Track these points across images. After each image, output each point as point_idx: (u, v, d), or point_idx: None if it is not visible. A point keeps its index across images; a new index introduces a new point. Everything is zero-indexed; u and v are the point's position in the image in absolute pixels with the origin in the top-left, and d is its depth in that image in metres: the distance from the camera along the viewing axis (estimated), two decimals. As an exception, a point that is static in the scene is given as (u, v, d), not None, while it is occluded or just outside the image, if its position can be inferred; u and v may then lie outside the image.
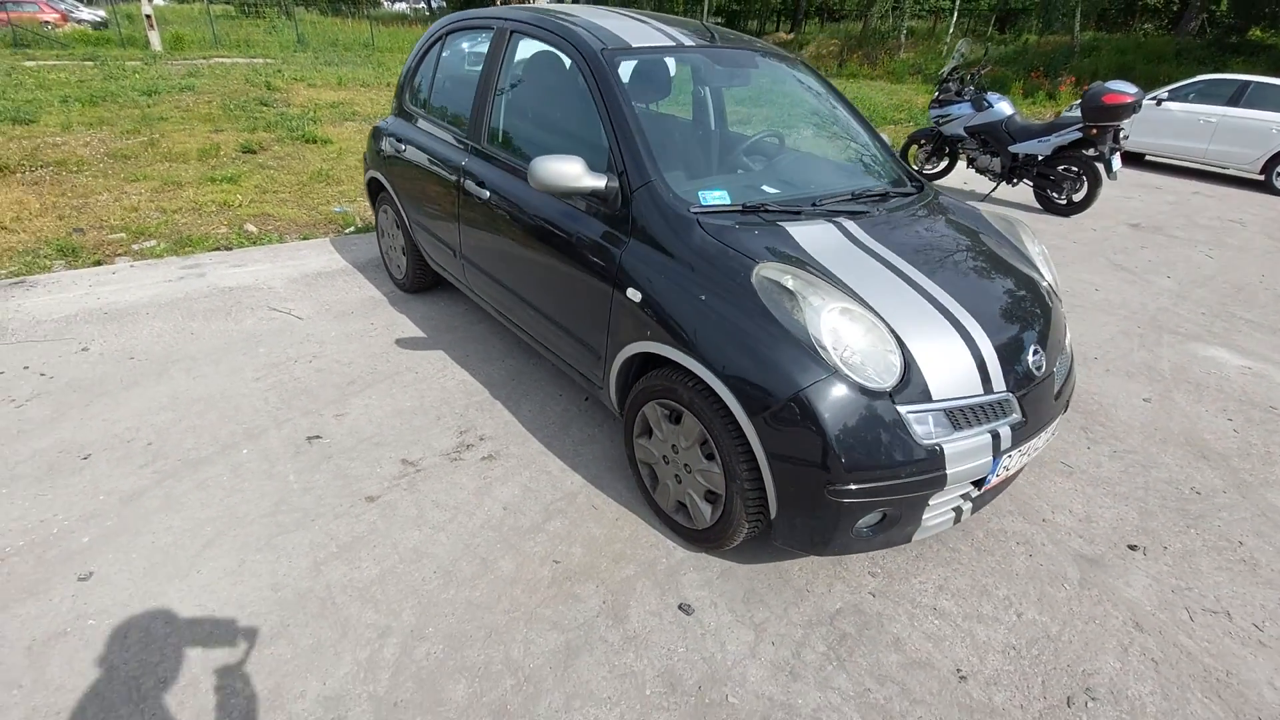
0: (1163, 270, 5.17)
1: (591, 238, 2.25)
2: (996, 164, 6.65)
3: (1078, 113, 6.20)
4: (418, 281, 3.77)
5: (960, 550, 2.27)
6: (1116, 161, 5.89)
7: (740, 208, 2.14)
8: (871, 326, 1.79)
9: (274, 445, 2.57)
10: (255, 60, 16.75)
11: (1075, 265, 5.14)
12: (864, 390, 1.73)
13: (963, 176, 7.67)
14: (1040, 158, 6.36)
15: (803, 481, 1.76)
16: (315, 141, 8.09)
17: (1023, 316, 2.09)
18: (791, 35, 25.94)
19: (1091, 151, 5.98)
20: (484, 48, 2.90)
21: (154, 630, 1.81)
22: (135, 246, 4.74)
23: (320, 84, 12.77)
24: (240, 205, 5.74)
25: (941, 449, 1.77)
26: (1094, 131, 5.84)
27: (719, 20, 29.76)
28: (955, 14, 20.63)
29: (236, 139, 7.86)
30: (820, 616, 1.98)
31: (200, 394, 2.87)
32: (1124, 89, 5.58)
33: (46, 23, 19.43)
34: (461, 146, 2.95)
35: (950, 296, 1.98)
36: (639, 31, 2.55)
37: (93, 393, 2.84)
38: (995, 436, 1.86)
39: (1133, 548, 2.33)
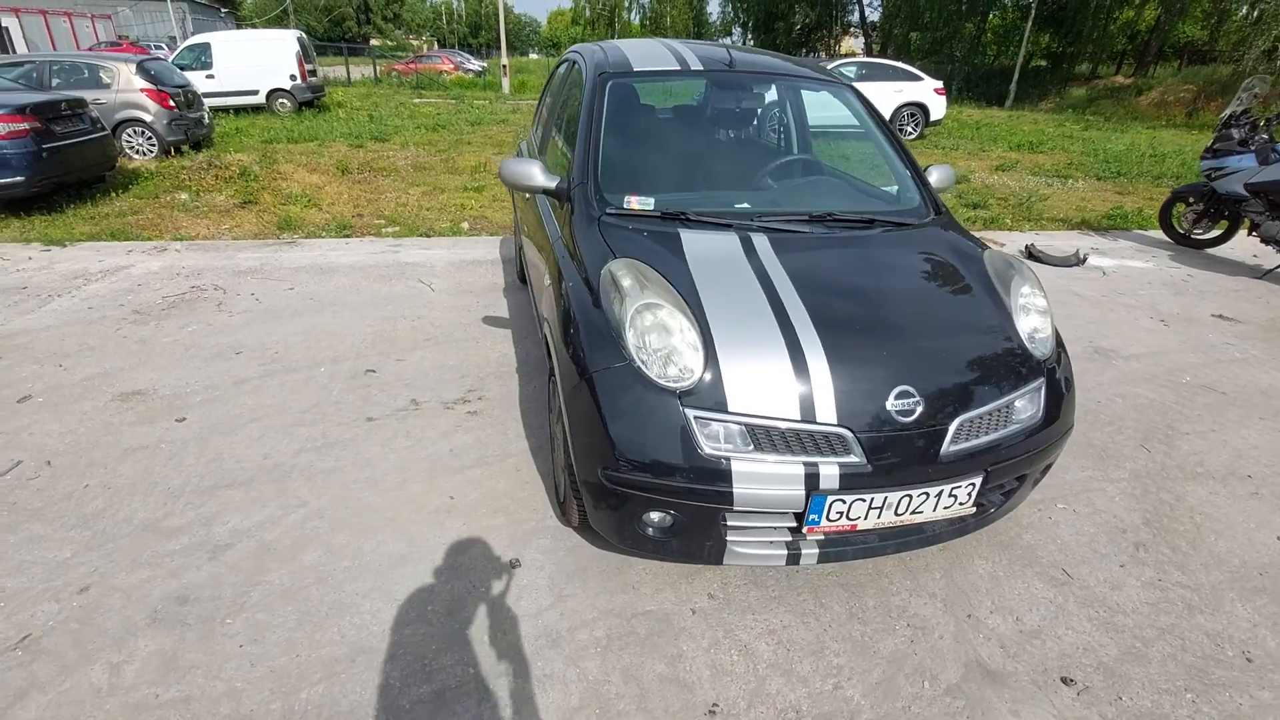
0: None
1: (550, 232, 2.56)
2: (1290, 233, 5.09)
3: None
4: (523, 274, 4.40)
5: (830, 608, 2.04)
6: None
7: (659, 214, 2.27)
8: (680, 329, 1.80)
9: (342, 370, 3.36)
10: (568, 101, 19.97)
11: (1343, 370, 3.76)
12: (653, 385, 1.76)
13: (1251, 247, 5.95)
14: (1359, 229, 4.72)
15: (588, 461, 1.85)
16: (559, 164, 9.53)
17: (910, 358, 1.84)
18: (1131, 79, 21.95)
19: None
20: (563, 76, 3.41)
21: (188, 463, 2.61)
22: (384, 229, 6.29)
23: (601, 120, 14.76)
24: (470, 208, 7.14)
25: (729, 463, 1.71)
26: None
27: (1043, 62, 26.55)
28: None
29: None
30: (623, 611, 2.00)
31: (329, 328, 3.84)
32: None
33: (442, 72, 25.54)
34: (532, 156, 3.48)
35: (811, 322, 1.86)
36: (653, 57, 2.79)
37: (275, 316, 4.00)
38: (813, 472, 1.71)
39: (1067, 681, 1.83)
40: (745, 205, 2.45)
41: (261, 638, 1.86)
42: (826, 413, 1.73)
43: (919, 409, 1.77)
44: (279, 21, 45.85)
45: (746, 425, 1.73)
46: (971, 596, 2.11)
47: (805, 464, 1.72)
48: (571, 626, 1.94)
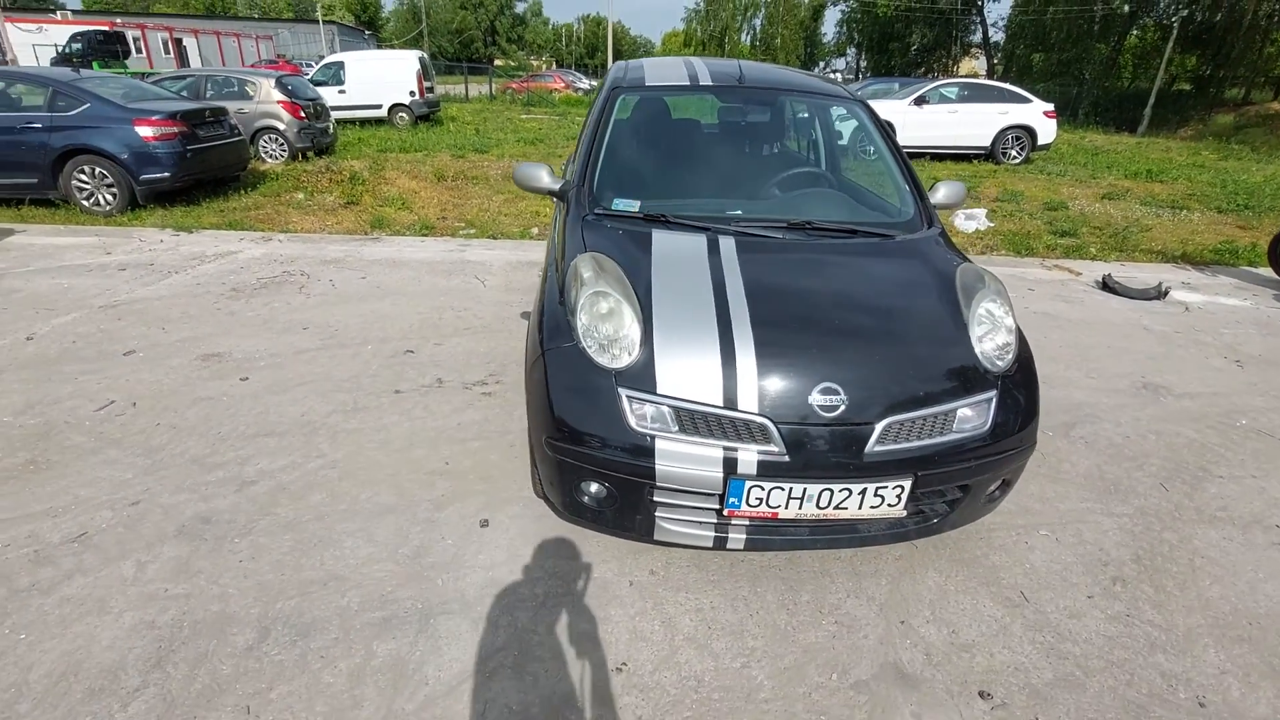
0: None
1: (554, 232, 2.80)
2: None
3: None
4: (566, 275, 4.69)
5: (763, 597, 2.11)
6: None
7: (642, 216, 2.44)
8: (624, 317, 1.96)
9: (385, 349, 3.75)
10: (666, 119, 20.44)
11: None
12: (593, 365, 1.94)
13: (1380, 291, 5.28)
14: None
15: (537, 430, 2.04)
16: (638, 178, 9.87)
17: (843, 359, 1.91)
18: (1291, 105, 19.64)
19: None
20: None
21: (241, 414, 3.05)
22: (461, 231, 6.81)
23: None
24: (544, 215, 7.56)
25: (653, 441, 1.85)
26: None
27: (1187, 86, 24.30)
28: None
29: (588, 172, 10.09)
30: (567, 575, 2.17)
31: (386, 313, 4.27)
32: None
33: (553, 90, 26.82)
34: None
35: (749, 318, 1.97)
36: (668, 73, 2.98)
37: (344, 300, 4.49)
38: (731, 457, 1.82)
39: (984, 695, 1.81)
40: (728, 211, 2.57)
41: (258, 557, 2.19)
42: (748, 402, 1.84)
43: (843, 406, 1.84)
44: (415, 44, 49.79)
45: (672, 407, 1.86)
46: (912, 605, 2.11)
47: (725, 448, 1.83)
48: (516, 582, 2.14)
